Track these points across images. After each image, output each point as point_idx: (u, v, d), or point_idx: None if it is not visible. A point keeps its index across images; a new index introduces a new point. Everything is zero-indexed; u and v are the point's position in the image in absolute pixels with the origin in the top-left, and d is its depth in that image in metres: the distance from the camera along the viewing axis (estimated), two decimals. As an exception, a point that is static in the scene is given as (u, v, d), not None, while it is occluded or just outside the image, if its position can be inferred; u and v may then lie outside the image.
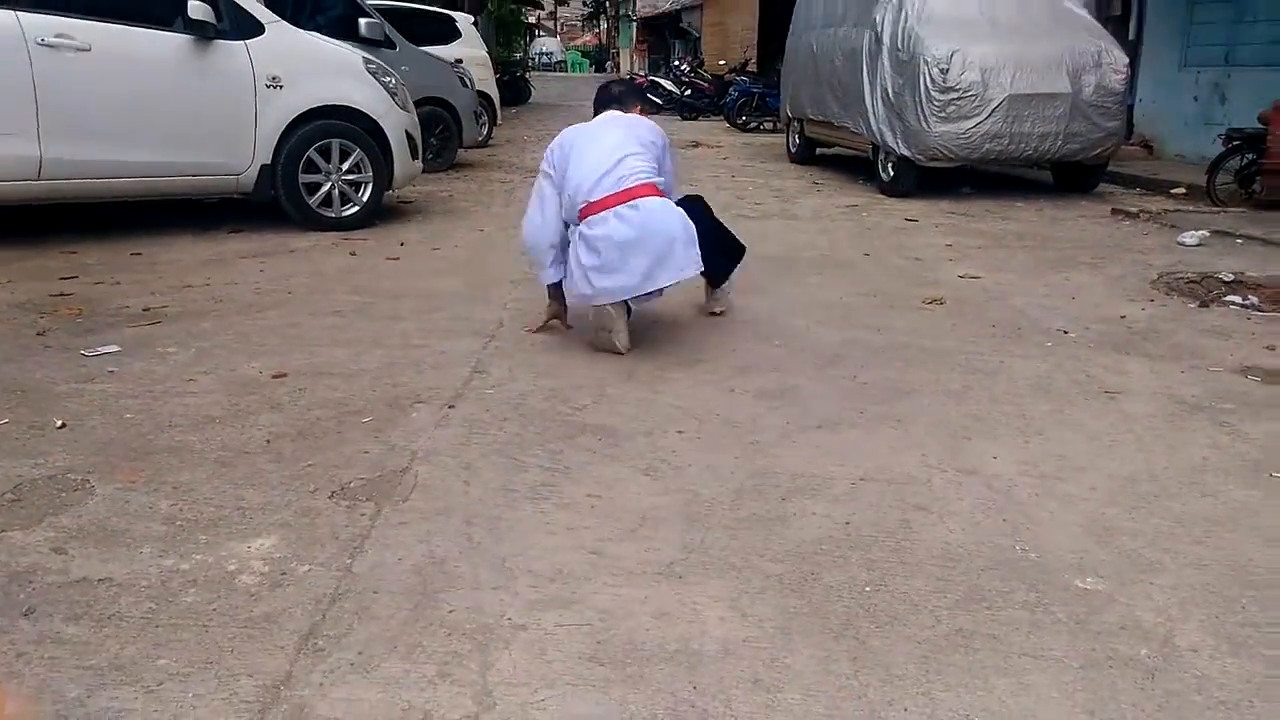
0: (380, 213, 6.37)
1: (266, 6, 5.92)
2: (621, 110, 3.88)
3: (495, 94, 12.70)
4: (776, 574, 2.09)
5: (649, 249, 3.44)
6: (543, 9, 54.54)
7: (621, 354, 3.58)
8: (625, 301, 3.59)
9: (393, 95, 6.23)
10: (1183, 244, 6.03)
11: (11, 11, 4.94)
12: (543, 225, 3.69)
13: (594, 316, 3.64)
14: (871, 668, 1.77)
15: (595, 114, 3.90)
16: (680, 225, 3.52)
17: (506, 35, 41.38)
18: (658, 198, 3.53)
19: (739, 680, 1.73)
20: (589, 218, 3.50)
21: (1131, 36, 11.23)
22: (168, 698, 1.63)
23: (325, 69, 5.99)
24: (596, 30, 64.51)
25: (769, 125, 16.07)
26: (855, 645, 1.84)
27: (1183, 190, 8.40)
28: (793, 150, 11.33)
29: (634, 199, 3.46)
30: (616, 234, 3.43)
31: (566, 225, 3.66)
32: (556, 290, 3.83)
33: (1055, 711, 1.67)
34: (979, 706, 1.67)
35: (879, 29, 8.40)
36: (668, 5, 35.83)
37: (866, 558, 2.16)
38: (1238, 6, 9.89)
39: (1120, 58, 8.07)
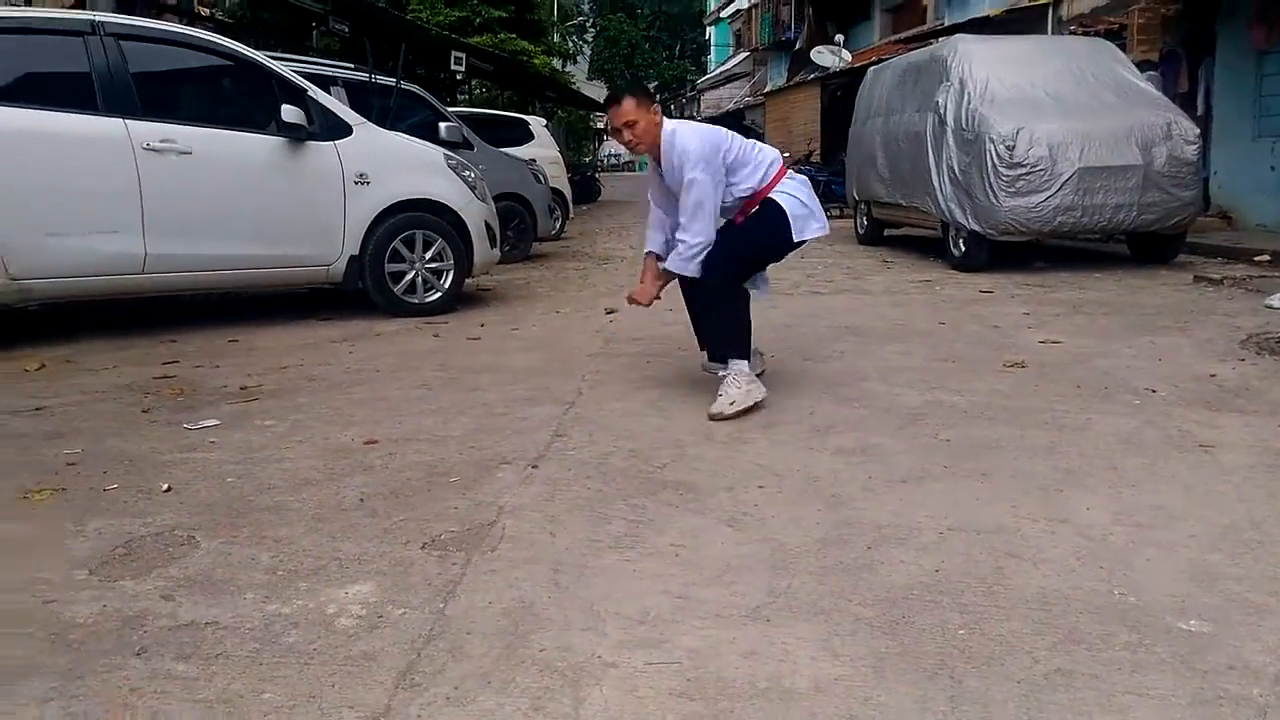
0: (461, 299, 6.59)
1: (356, 111, 6.29)
2: None
3: (568, 190, 13.12)
4: (866, 617, 2.07)
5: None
6: (610, 113, 56.33)
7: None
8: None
9: (472, 188, 6.51)
10: (1271, 306, 5.88)
11: (121, 119, 5.33)
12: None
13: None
14: (969, 705, 1.73)
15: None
16: None
17: (576, 139, 42.84)
18: None
19: (833, 716, 1.70)
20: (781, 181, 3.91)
21: (1200, 111, 11.17)
22: (273, 727, 1.68)
23: (409, 165, 6.29)
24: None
25: (836, 212, 16.20)
26: (951, 684, 1.80)
27: (1266, 257, 8.22)
28: (861, 232, 11.42)
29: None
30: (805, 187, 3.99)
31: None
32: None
33: (1166, 746, 1.61)
34: (1085, 740, 1.62)
35: (942, 111, 8.53)
36: (731, 105, 36.75)
37: (958, 602, 2.13)
38: (1309, 76, 9.80)
39: (1190, 128, 8.03)
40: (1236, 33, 10.64)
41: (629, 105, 3.76)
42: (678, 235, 3.78)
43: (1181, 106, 9.30)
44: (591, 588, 2.22)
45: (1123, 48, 10.41)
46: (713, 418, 3.63)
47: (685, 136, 3.77)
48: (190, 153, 5.47)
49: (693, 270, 3.76)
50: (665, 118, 3.88)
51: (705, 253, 3.75)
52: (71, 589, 2.24)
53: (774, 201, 3.86)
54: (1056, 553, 2.38)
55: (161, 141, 5.39)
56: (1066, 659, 1.88)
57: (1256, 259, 8.30)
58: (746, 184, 3.85)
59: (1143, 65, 10.52)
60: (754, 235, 3.89)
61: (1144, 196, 7.78)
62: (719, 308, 3.81)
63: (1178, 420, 3.54)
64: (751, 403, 3.69)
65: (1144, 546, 2.42)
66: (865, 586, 2.21)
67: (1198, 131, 8.12)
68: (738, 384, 3.70)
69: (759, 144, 4.01)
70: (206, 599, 2.18)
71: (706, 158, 3.69)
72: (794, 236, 3.90)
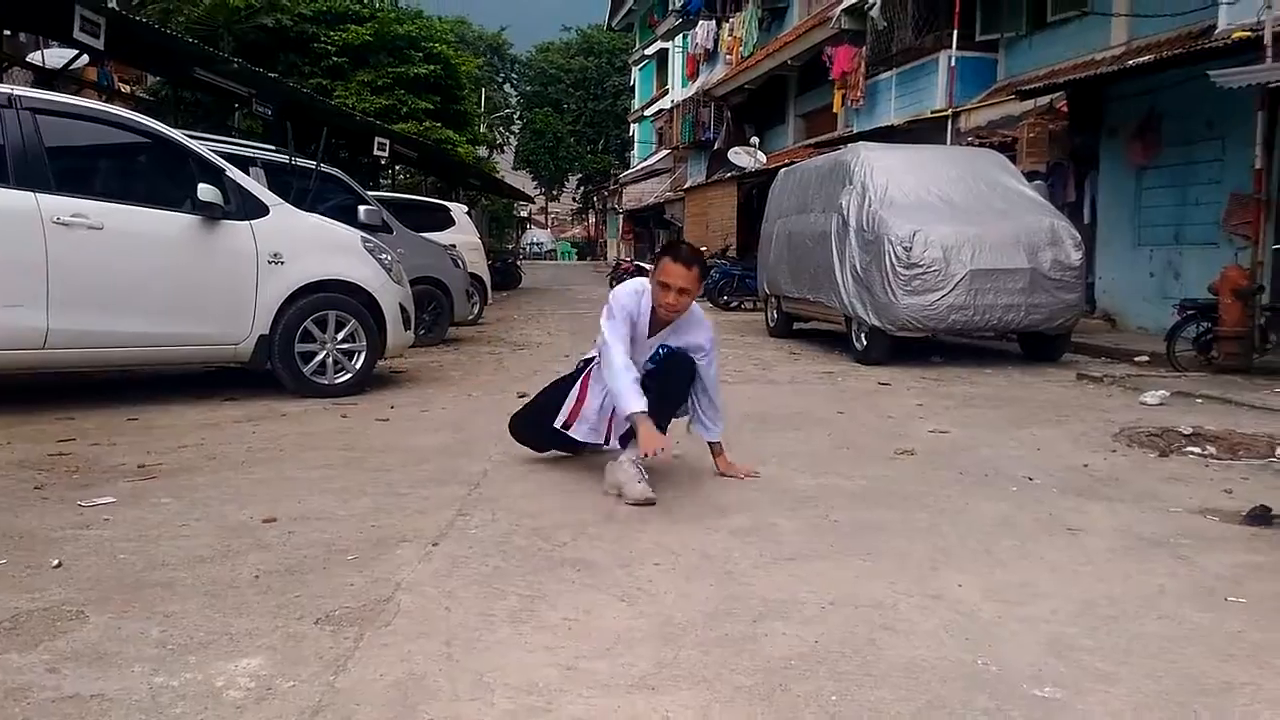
0: (373, 380, 6.60)
1: (275, 192, 6.35)
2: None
3: (487, 275, 13.29)
4: (747, 685, 2.16)
5: None
6: (534, 204, 57.23)
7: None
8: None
9: (388, 270, 6.59)
10: (1145, 403, 6.28)
11: (32, 192, 5.30)
12: None
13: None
14: (835, 764, 1.84)
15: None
16: None
17: (499, 227, 43.26)
18: None
19: (707, 776, 1.79)
20: None
21: (1086, 220, 11.96)
22: (153, 795, 1.68)
23: (325, 246, 6.36)
24: (585, 223, 67.49)
25: (749, 305, 16.76)
26: (820, 745, 1.91)
27: (1145, 358, 8.76)
28: (771, 325, 11.79)
29: None
30: None
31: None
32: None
33: (1012, 800, 1.73)
34: (938, 796, 1.73)
35: (845, 213, 8.99)
36: (652, 199, 37.69)
37: (834, 670, 2.24)
38: (1181, 192, 10.62)
39: (1074, 234, 8.62)
40: (1118, 148, 11.51)
41: (696, 274, 3.92)
42: (715, 406, 4.19)
43: (1069, 215, 9.98)
44: (483, 660, 2.27)
45: (1014, 159, 11.17)
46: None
47: (700, 312, 4.14)
48: (101, 228, 5.44)
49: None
50: None
51: None
52: (-51, 662, 2.20)
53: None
54: (928, 626, 2.53)
55: (72, 216, 5.35)
56: (928, 723, 2.01)
57: (1136, 359, 8.85)
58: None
59: (1031, 175, 11.28)
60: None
61: (1031, 298, 8.27)
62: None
63: (1049, 506, 3.76)
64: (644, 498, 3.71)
65: (1009, 621, 2.58)
66: (748, 657, 2.31)
67: (1079, 238, 8.71)
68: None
69: None
70: (93, 671, 2.17)
71: None
72: None
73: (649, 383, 3.81)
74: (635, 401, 3.66)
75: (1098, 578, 2.96)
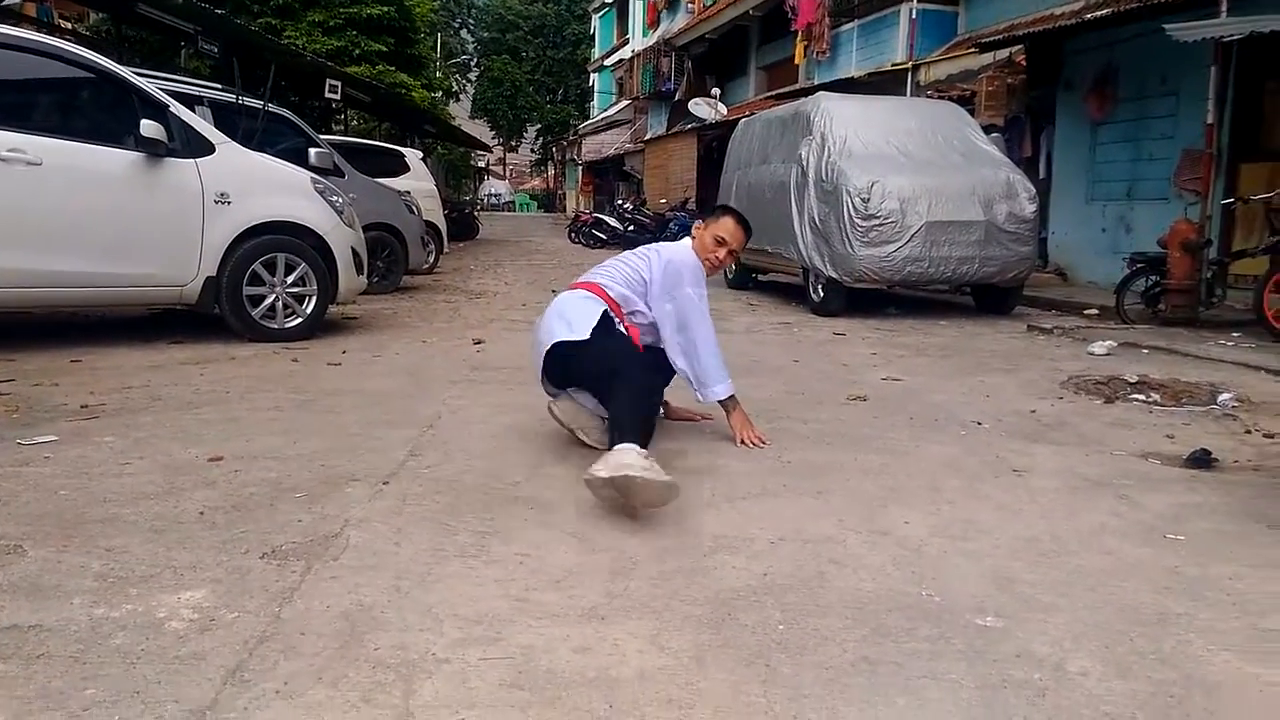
0: (324, 326, 6.50)
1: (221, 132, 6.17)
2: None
3: (443, 224, 13.10)
4: (695, 615, 2.18)
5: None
6: (492, 154, 56.44)
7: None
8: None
9: (339, 213, 6.46)
10: (1092, 353, 6.39)
11: (-35, 128, 5.10)
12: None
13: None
14: (780, 688, 1.86)
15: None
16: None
17: (457, 177, 42.62)
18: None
19: (653, 700, 1.80)
20: None
21: (1042, 175, 12.07)
22: (92, 721, 1.66)
23: (273, 186, 6.21)
24: (544, 175, 66.73)
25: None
26: (765, 671, 1.93)
27: (1095, 311, 8.91)
28: (729, 276, 11.78)
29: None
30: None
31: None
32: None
33: (951, 721, 1.77)
34: (879, 719, 1.77)
35: (804, 164, 8.97)
36: (611, 150, 37.34)
37: (781, 601, 2.27)
38: (1135, 147, 10.74)
39: (1029, 187, 8.68)
40: (1074, 103, 11.58)
41: (745, 238, 3.91)
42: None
43: (1025, 170, 10.04)
44: (432, 593, 2.26)
45: (972, 113, 11.19)
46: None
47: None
48: (40, 164, 5.27)
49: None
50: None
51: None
52: (-121, 596, 2.14)
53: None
54: (875, 560, 2.56)
55: (9, 151, 5.18)
56: (873, 649, 2.04)
57: (1086, 312, 8.99)
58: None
59: (989, 129, 11.31)
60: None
61: (985, 250, 8.34)
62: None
63: (997, 448, 3.82)
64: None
65: (954, 555, 2.63)
66: (697, 588, 2.33)
67: (1034, 191, 8.78)
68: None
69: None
70: (31, 604, 2.12)
71: None
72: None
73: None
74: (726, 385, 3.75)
75: (1041, 515, 3.01)
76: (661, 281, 3.70)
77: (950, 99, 12.38)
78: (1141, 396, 4.98)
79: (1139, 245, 9.52)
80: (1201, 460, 3.66)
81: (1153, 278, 8.20)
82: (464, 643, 2.01)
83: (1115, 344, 6.62)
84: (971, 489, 3.26)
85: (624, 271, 3.76)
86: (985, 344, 7.01)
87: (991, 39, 12.12)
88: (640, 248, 3.92)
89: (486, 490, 3.09)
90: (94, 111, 5.83)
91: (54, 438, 3.58)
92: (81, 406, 4.14)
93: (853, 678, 1.91)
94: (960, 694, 1.87)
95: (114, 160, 5.57)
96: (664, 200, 23.33)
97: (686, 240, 3.90)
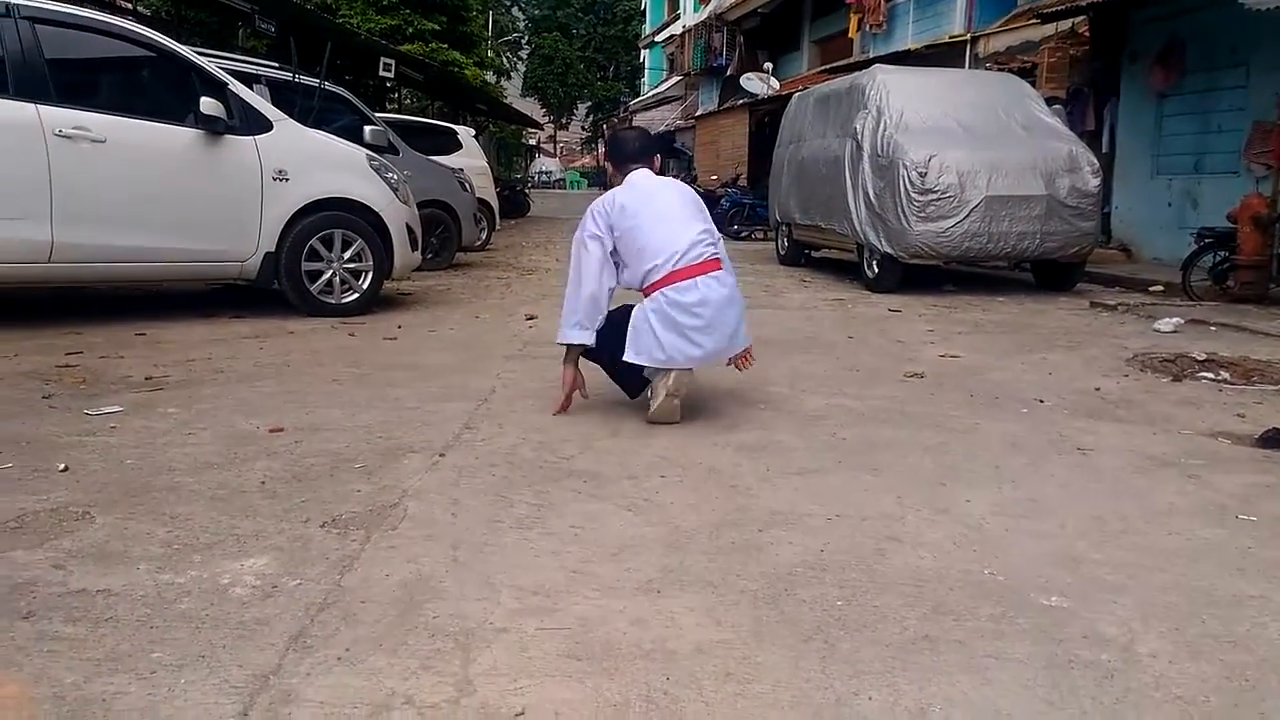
0: (380, 301, 6.57)
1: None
2: (648, 166, 3.85)
3: (495, 201, 13.14)
4: (752, 590, 2.16)
5: (733, 316, 3.66)
6: (543, 131, 56.52)
7: (678, 422, 3.62)
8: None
9: (394, 190, 6.50)
10: (1158, 330, 6.22)
11: (33, 104, 5.21)
12: (598, 286, 3.65)
13: (672, 382, 3.59)
14: (839, 664, 1.83)
15: (616, 167, 3.88)
16: (741, 307, 3.73)
17: (508, 155, 42.78)
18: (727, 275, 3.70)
19: (711, 674, 1.79)
20: (676, 284, 3.55)
21: (1105, 149, 11.72)
22: (160, 683, 1.69)
23: (330, 164, 6.26)
24: (594, 152, 66.68)
25: (759, 234, 16.57)
26: (824, 647, 1.90)
27: (1160, 288, 8.66)
28: (782, 253, 11.68)
29: (713, 271, 3.63)
30: (714, 296, 3.57)
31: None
32: (575, 357, 3.76)
33: (1014, 702, 1.73)
34: (941, 696, 1.73)
35: (859, 137, 8.82)
36: (663, 127, 37.13)
37: (840, 578, 2.24)
38: (1202, 120, 10.38)
39: (1092, 161, 8.44)
40: (1139, 74, 11.22)
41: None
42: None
43: (1087, 143, 9.76)
44: (489, 563, 2.27)
45: (1033, 85, 10.90)
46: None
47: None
48: (104, 141, 5.37)
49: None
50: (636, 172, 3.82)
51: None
52: (-43, 558, 2.21)
53: (631, 308, 3.69)
54: (935, 538, 2.52)
55: (74, 129, 5.28)
56: (934, 627, 2.00)
57: (1151, 289, 8.75)
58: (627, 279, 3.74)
59: (1050, 101, 11.01)
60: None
61: (1046, 225, 8.14)
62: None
63: (1060, 427, 3.74)
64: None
65: (1017, 534, 2.57)
66: (754, 564, 2.31)
67: (1097, 164, 8.53)
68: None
69: (655, 238, 3.64)
70: (99, 569, 2.17)
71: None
72: (627, 353, 3.64)
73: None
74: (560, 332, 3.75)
75: (1107, 495, 2.94)
76: None
77: (1010, 71, 12.08)
78: (1210, 374, 4.83)
79: (1206, 220, 9.21)
80: (1274, 440, 3.54)
81: (1221, 253, 7.95)
82: (521, 613, 2.01)
83: (1182, 321, 6.43)
84: (1034, 467, 3.19)
85: None
86: (1046, 321, 6.86)
87: (1054, 9, 11.77)
88: None
89: (540, 463, 3.10)
90: (155, 89, 5.93)
91: (120, 408, 3.66)
92: (146, 378, 4.23)
93: (913, 655, 1.87)
94: (1025, 674, 1.83)
95: (175, 137, 5.66)
96: (714, 176, 23.12)
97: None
